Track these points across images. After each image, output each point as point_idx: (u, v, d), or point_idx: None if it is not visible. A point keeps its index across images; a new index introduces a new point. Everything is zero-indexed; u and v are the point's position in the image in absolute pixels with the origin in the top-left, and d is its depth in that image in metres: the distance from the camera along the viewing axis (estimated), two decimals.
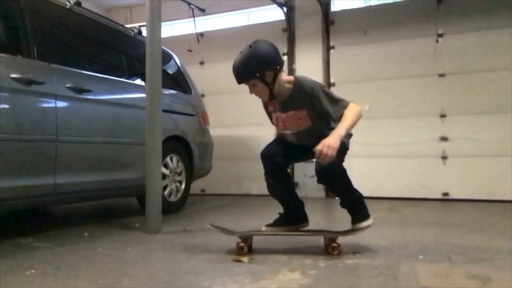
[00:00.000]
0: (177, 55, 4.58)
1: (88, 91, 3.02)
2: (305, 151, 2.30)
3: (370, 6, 5.64)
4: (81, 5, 3.30)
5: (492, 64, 4.84)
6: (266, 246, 2.45)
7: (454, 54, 5.01)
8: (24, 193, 2.60)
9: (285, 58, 5.46)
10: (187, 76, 4.62)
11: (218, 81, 5.91)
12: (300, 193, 2.56)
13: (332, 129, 2.17)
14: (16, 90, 2.51)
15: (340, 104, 2.23)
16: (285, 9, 5.72)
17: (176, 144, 3.99)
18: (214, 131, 4.89)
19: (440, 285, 1.77)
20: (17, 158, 2.52)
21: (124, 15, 6.59)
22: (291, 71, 5.46)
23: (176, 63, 4.52)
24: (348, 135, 2.31)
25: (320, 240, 2.34)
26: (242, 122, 5.77)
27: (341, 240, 2.27)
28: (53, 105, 2.75)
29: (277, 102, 2.31)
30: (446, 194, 4.96)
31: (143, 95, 3.23)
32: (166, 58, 4.21)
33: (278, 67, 2.23)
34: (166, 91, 3.94)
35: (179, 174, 4.06)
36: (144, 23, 3.18)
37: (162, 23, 3.14)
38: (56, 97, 2.77)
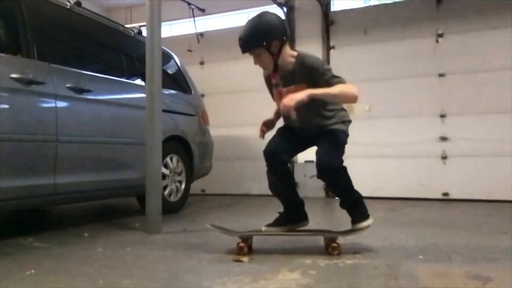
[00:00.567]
0: (177, 55, 4.58)
1: (88, 91, 3.03)
2: (306, 139, 2.37)
3: (370, 6, 5.63)
4: (81, 5, 3.31)
5: (492, 64, 4.84)
6: (266, 246, 2.45)
7: (454, 54, 5.01)
8: (24, 193, 2.60)
9: None
10: (187, 76, 4.62)
11: (218, 81, 5.93)
12: (300, 193, 2.56)
13: (331, 110, 2.27)
14: (16, 90, 2.51)
15: (337, 81, 2.21)
16: (285, 9, 5.71)
17: (176, 144, 3.99)
18: (214, 131, 4.89)
19: (440, 285, 1.77)
20: (17, 158, 2.52)
21: (124, 15, 6.58)
22: None
23: (176, 63, 4.52)
24: (347, 122, 2.36)
25: (320, 240, 2.34)
26: (242, 122, 5.75)
27: (341, 240, 2.27)
28: (53, 105, 2.75)
29: (279, 77, 2.32)
30: (446, 194, 4.97)
31: (143, 95, 3.23)
32: (166, 58, 4.21)
33: (284, 37, 2.24)
34: (166, 91, 3.94)
35: (179, 174, 4.06)
36: (144, 23, 3.18)
37: (162, 23, 3.14)
38: (56, 97, 2.77)
